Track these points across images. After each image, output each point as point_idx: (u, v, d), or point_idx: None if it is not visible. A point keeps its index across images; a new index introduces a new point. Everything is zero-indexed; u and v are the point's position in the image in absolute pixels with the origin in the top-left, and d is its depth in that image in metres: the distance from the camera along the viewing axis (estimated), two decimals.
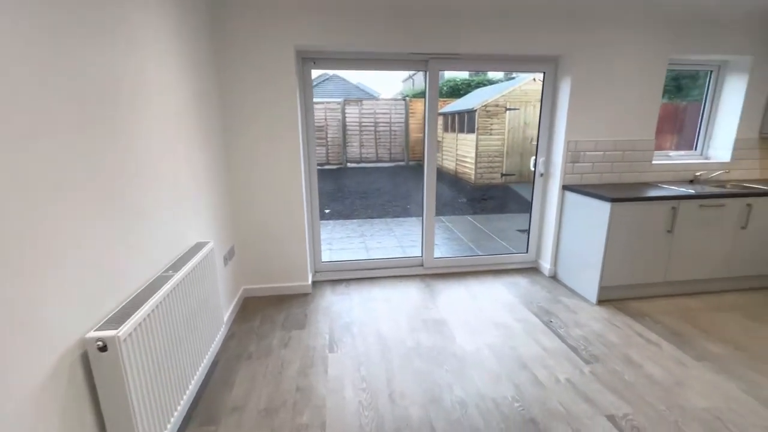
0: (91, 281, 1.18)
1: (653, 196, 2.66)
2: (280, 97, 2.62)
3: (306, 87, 2.83)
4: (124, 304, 1.28)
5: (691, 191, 2.78)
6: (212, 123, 2.39)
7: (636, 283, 2.82)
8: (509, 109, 6.64)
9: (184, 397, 1.57)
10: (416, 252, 3.49)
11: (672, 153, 3.46)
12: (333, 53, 2.78)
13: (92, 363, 1.10)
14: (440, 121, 9.80)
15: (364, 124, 10.13)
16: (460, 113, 7.39)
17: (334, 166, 9.84)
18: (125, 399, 1.14)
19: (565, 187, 3.08)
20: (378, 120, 9.91)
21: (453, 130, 8.10)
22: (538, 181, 3.32)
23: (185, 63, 1.99)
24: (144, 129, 1.55)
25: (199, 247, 1.90)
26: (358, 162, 10.15)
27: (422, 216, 3.30)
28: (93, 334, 1.09)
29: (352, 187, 7.84)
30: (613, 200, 2.59)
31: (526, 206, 6.40)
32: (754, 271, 2.95)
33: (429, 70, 2.93)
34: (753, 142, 3.28)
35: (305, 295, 2.98)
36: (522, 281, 3.22)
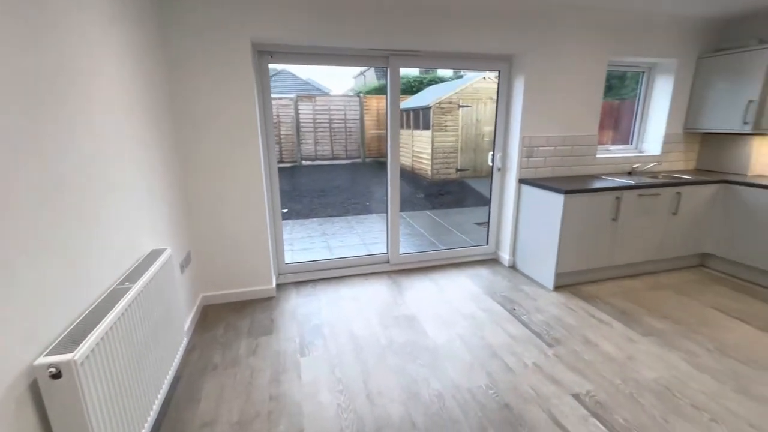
0: (35, 298, 1.03)
1: (600, 188, 2.87)
2: (237, 92, 2.48)
3: (263, 82, 2.71)
4: (76, 322, 1.14)
5: (631, 182, 3.04)
6: (165, 122, 2.21)
7: (587, 269, 3.04)
8: (462, 107, 6.84)
9: (148, 419, 1.44)
10: (380, 249, 3.49)
11: (612, 147, 3.76)
12: (291, 47, 2.68)
13: (44, 393, 0.97)
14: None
15: (318, 120, 9.92)
16: (415, 110, 7.50)
17: (289, 164, 9.56)
18: (85, 431, 1.01)
19: (521, 181, 3.24)
20: (332, 117, 9.76)
21: (408, 127, 8.19)
22: (496, 175, 3.45)
23: (131, 59, 1.81)
24: (91, 132, 1.39)
25: (156, 254, 1.74)
26: (313, 160, 9.93)
27: (387, 213, 3.31)
28: (43, 359, 0.96)
29: (309, 185, 7.67)
30: (566, 192, 2.76)
31: (481, 200, 6.65)
32: (683, 252, 3.30)
33: (390, 66, 2.92)
34: (678, 136, 3.65)
35: (269, 299, 2.87)
36: (484, 272, 3.34)
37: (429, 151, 7.02)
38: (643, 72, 3.64)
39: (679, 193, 3.09)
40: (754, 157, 3.34)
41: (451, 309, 2.70)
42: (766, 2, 2.91)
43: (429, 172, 7.06)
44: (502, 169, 3.42)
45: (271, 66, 2.73)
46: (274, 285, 2.93)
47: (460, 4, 2.73)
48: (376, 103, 9.29)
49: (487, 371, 2.03)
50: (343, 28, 2.57)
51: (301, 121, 9.62)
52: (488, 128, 6.93)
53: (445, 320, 2.55)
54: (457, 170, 7.17)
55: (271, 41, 2.56)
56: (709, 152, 3.68)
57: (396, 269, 3.37)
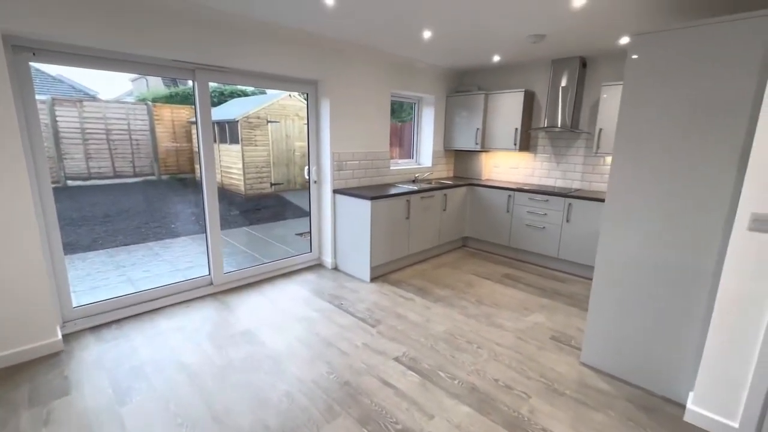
0: None
1: (395, 193, 3.58)
2: None
3: (23, 83, 2.17)
4: None
5: (415, 188, 3.91)
6: None
7: (392, 260, 3.72)
8: (270, 122, 6.95)
9: None
10: (198, 273, 3.27)
11: (400, 161, 4.70)
12: (65, 46, 2.25)
13: None
14: (195, 130, 9.00)
15: (89, 131, 8.04)
16: (220, 123, 7.11)
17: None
18: None
19: (335, 191, 3.67)
20: (111, 127, 8.10)
21: (213, 141, 7.69)
22: (313, 187, 3.78)
23: None
24: None
25: None
26: (85, 179, 7.97)
27: (206, 231, 3.14)
28: None
29: (84, 210, 6.16)
30: (372, 198, 3.33)
31: (298, 212, 6.92)
32: (452, 237, 4.45)
33: (197, 80, 2.82)
34: (441, 152, 4.90)
35: (55, 354, 2.29)
36: (311, 277, 3.60)
37: (240, 166, 6.81)
38: (415, 102, 4.71)
39: (445, 195, 4.17)
40: (484, 167, 4.84)
41: (285, 316, 2.83)
42: (477, 63, 4.30)
43: (242, 188, 6.83)
44: (318, 182, 3.78)
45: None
46: (59, 336, 2.34)
47: (266, 28, 2.91)
48: (170, 112, 8.30)
49: (326, 360, 2.29)
50: (141, 33, 2.36)
51: (61, 130, 7.59)
52: (298, 143, 7.29)
53: (281, 327, 2.66)
54: (272, 184, 7.22)
55: (34, 36, 2.10)
56: (460, 164, 5.09)
57: (222, 289, 3.23)
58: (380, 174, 4.14)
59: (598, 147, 3.67)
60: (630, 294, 2.08)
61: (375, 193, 3.52)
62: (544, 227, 3.92)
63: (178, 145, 8.07)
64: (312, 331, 2.63)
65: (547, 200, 3.86)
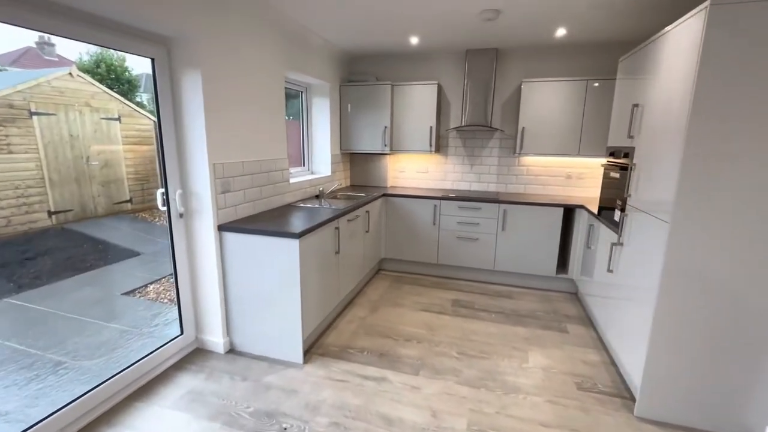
0: None
1: (323, 221, 2.40)
2: None
3: None
4: None
5: (334, 207, 2.82)
6: None
7: (324, 317, 2.55)
8: (37, 114, 4.29)
9: None
10: None
11: (292, 170, 3.43)
12: None
13: None
14: None
15: None
16: None
17: None
18: None
19: (223, 228, 2.21)
20: None
21: None
22: (177, 223, 2.19)
23: None
24: None
25: None
26: None
27: None
28: None
29: None
30: (300, 235, 2.09)
31: (113, 253, 4.55)
32: (373, 263, 3.54)
33: None
34: (339, 156, 3.87)
35: None
36: (197, 384, 2.06)
37: None
38: (302, 92, 3.52)
39: (368, 212, 3.21)
40: (389, 171, 4.09)
41: None
42: (383, 46, 3.48)
43: None
44: (187, 214, 2.21)
45: None
46: None
47: None
48: None
49: None
50: None
51: None
52: (96, 148, 4.81)
53: None
54: (52, 213, 4.53)
55: None
56: (358, 169, 4.18)
57: None
58: (279, 191, 2.84)
59: (521, 147, 3.44)
60: (699, 323, 1.71)
61: (292, 225, 2.27)
62: (477, 238, 3.47)
63: None
64: None
65: (479, 208, 3.41)
